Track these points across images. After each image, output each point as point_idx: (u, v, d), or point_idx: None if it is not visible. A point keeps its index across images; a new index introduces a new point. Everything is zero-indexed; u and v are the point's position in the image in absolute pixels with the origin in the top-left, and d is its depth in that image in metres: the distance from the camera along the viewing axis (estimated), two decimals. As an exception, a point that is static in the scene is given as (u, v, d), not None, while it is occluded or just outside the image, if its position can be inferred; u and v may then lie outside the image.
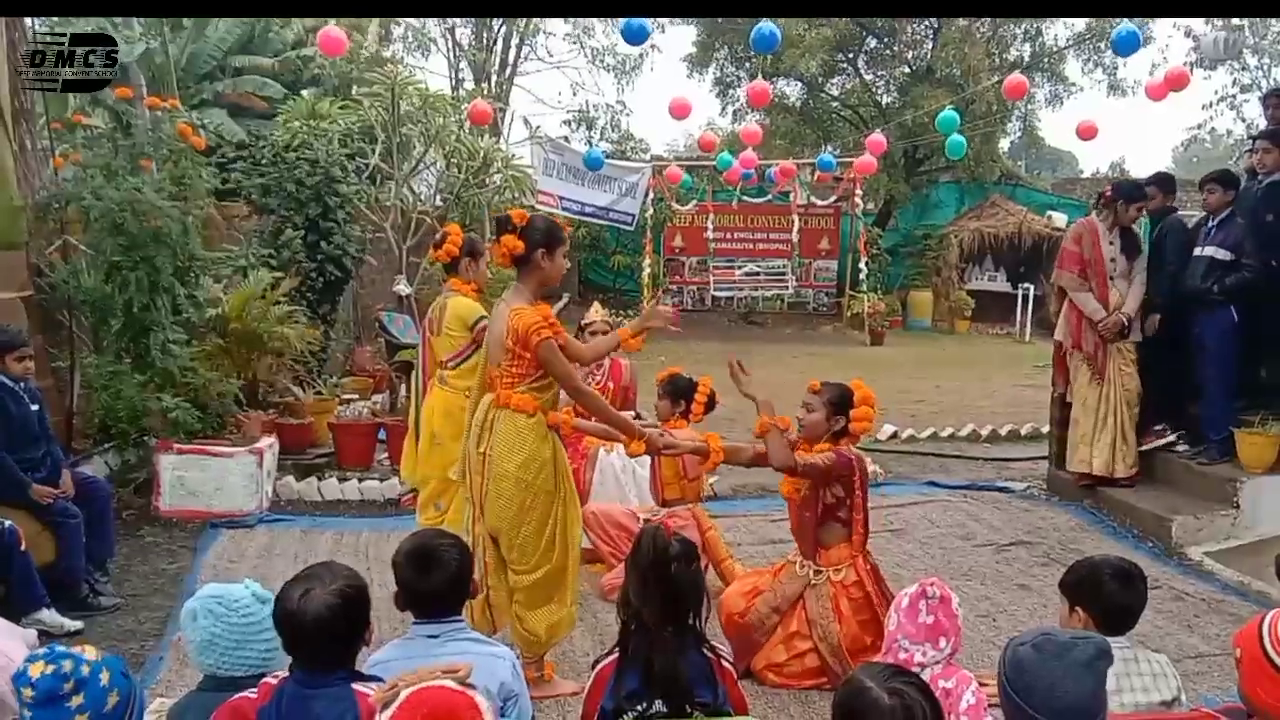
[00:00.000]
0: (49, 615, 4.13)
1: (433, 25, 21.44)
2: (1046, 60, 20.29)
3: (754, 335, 16.66)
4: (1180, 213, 6.46)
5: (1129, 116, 62.76)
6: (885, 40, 20.07)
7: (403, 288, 8.72)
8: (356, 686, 2.11)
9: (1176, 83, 7.73)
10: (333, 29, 7.50)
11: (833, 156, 15.52)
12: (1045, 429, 7.29)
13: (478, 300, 4.67)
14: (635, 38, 7.10)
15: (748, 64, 20.10)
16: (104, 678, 2.02)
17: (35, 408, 4.48)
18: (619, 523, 4.80)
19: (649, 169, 16.40)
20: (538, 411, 3.53)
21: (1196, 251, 5.83)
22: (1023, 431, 8.49)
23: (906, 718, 1.70)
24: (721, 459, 3.81)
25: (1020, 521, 6.07)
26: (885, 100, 20.74)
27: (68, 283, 5.82)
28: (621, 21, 7.17)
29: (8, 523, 4.05)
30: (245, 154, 8.64)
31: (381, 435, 7.01)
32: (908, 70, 20.07)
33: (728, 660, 2.53)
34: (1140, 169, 33.23)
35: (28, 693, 1.97)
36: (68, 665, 1.99)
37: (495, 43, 22.20)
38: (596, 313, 5.56)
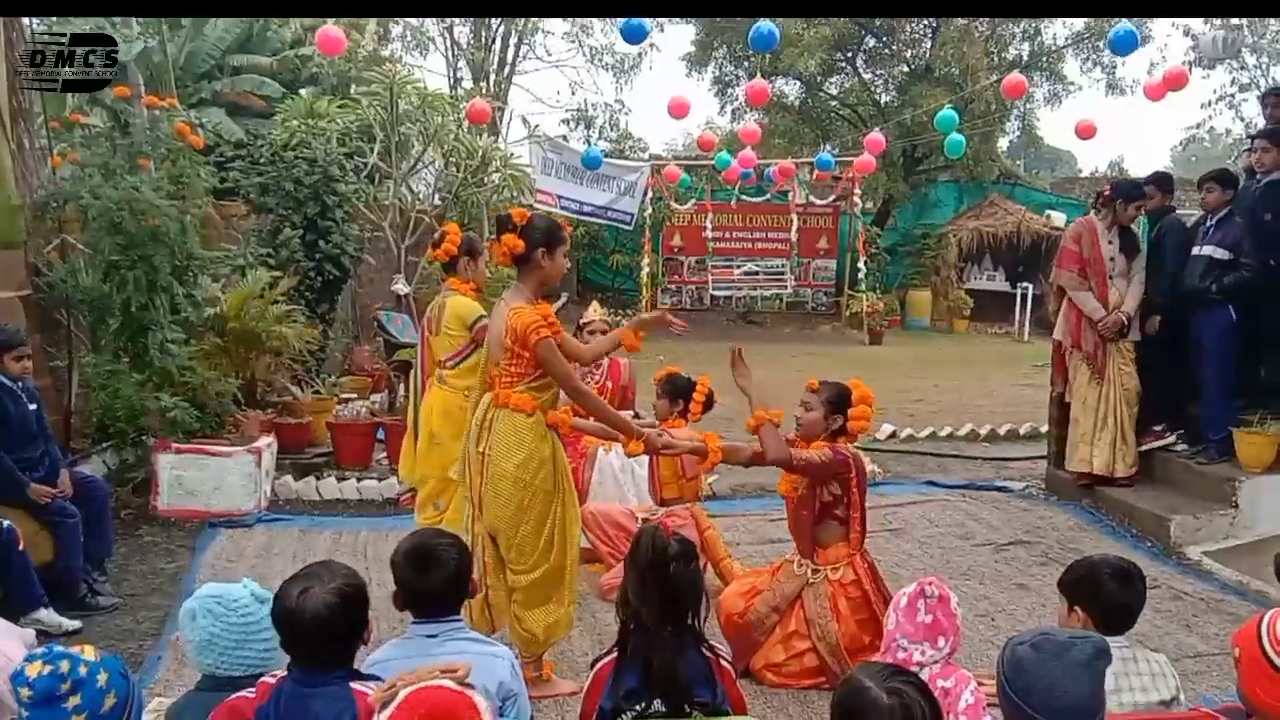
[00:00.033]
0: (47, 615, 4.12)
1: (431, 24, 21.48)
2: (1045, 59, 20.30)
3: (752, 335, 16.63)
4: (1179, 212, 6.45)
5: (1128, 116, 63.02)
6: (884, 39, 20.07)
7: (401, 287, 8.72)
8: (355, 686, 2.11)
9: (1175, 82, 7.74)
10: (331, 28, 7.52)
11: (831, 156, 15.54)
12: (1044, 428, 7.29)
13: (476, 299, 4.66)
14: (634, 37, 7.09)
15: (746, 63, 20.10)
16: (102, 678, 2.02)
17: (33, 407, 4.48)
18: (617, 522, 4.79)
19: (647, 168, 16.38)
20: (537, 411, 3.53)
21: (1195, 251, 5.83)
22: (1021, 431, 8.49)
23: (905, 717, 1.70)
24: (720, 458, 3.79)
25: (1019, 521, 6.07)
26: (884, 99, 20.75)
27: (66, 282, 5.82)
28: (620, 21, 7.17)
29: (6, 522, 4.03)
30: (243, 153, 8.63)
31: (380, 435, 7.01)
32: (906, 69, 20.06)
33: (726, 660, 2.53)
34: (1139, 168, 33.33)
35: (25, 693, 1.96)
36: (65, 665, 1.99)
37: (494, 41, 22.20)
38: (595, 312, 5.55)
